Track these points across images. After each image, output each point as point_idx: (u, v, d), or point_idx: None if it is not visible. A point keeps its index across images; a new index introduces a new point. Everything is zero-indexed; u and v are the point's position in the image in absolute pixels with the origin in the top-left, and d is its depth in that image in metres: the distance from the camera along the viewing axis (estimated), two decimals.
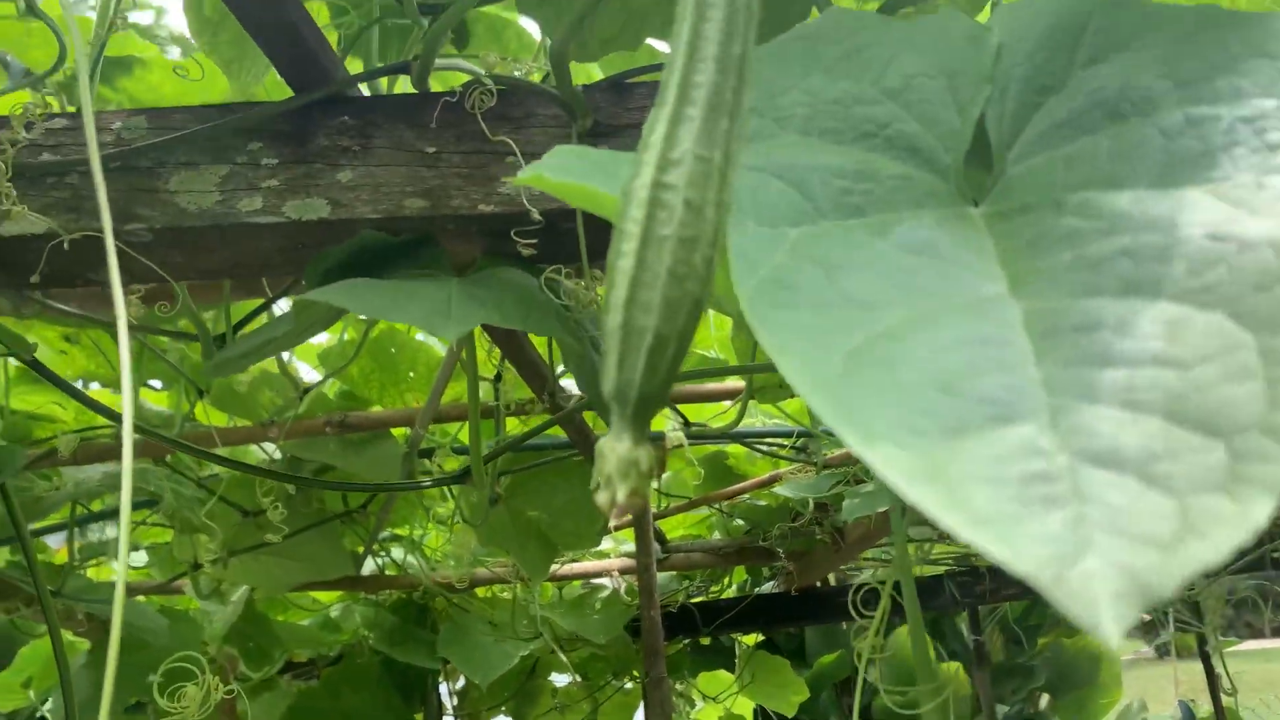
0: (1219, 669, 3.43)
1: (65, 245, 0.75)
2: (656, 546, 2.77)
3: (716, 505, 2.70)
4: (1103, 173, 0.38)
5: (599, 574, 3.06)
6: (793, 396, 1.81)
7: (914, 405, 0.28)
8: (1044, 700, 4.96)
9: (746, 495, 2.64)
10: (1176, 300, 0.30)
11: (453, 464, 2.23)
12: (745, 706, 3.86)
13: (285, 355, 1.82)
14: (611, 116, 0.81)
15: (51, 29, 0.89)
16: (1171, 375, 0.27)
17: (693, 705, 3.66)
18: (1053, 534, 0.23)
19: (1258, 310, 0.28)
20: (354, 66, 1.06)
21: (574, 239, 0.80)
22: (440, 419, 1.97)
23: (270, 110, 0.81)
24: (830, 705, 4.17)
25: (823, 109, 0.45)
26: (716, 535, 3.20)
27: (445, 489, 2.20)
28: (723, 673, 3.72)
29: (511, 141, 0.79)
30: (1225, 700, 3.49)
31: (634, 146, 0.74)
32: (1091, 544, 0.23)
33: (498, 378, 1.75)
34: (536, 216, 0.76)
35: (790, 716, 3.59)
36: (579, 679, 3.34)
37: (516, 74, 0.82)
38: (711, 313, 1.86)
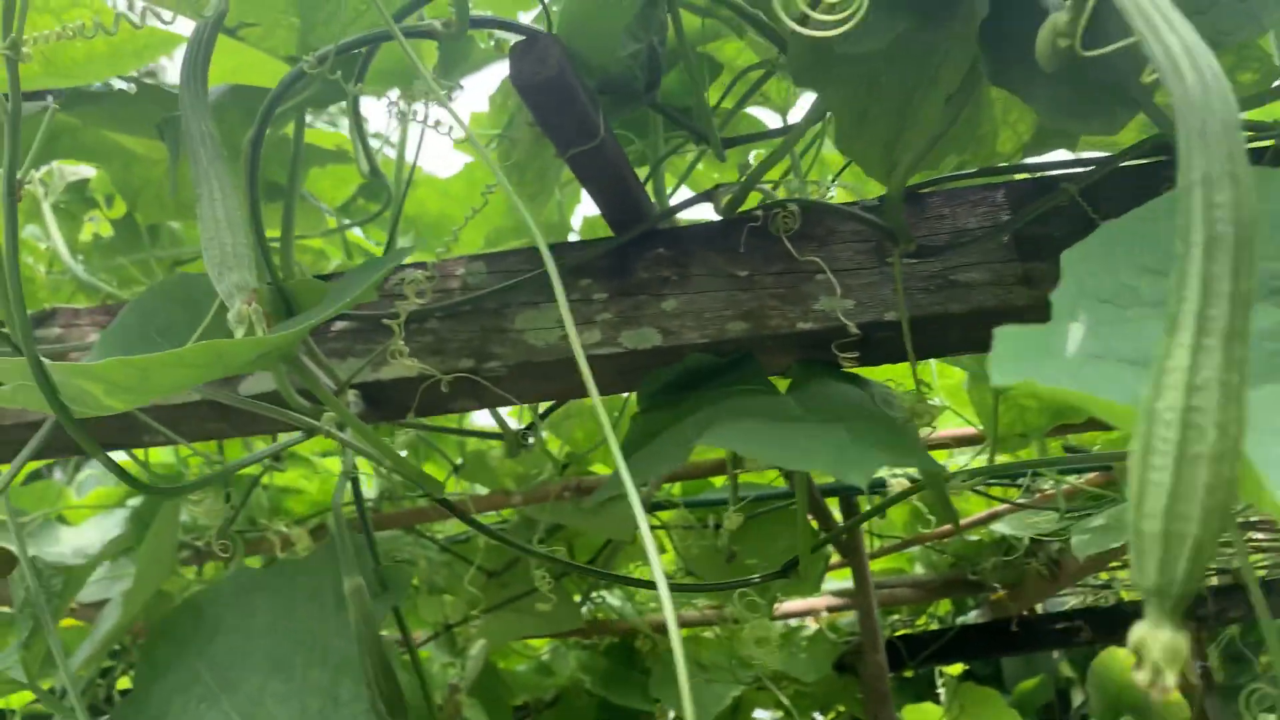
0: None
1: (443, 386, 0.86)
2: None
3: (930, 544, 2.68)
4: None
5: (807, 613, 3.08)
6: (1026, 446, 1.82)
7: None
8: None
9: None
10: None
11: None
12: None
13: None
14: (911, 229, 0.86)
15: (384, 184, 1.02)
16: None
17: None
18: None
19: None
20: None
21: (885, 345, 0.86)
22: (670, 479, 2.07)
23: (595, 249, 0.90)
24: None
25: None
26: (918, 568, 3.16)
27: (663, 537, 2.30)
28: (929, 705, 3.66)
29: (820, 260, 0.85)
30: None
31: (944, 263, 0.79)
32: None
33: None
34: (854, 330, 0.82)
35: None
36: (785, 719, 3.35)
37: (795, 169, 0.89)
38: (933, 362, 1.90)
